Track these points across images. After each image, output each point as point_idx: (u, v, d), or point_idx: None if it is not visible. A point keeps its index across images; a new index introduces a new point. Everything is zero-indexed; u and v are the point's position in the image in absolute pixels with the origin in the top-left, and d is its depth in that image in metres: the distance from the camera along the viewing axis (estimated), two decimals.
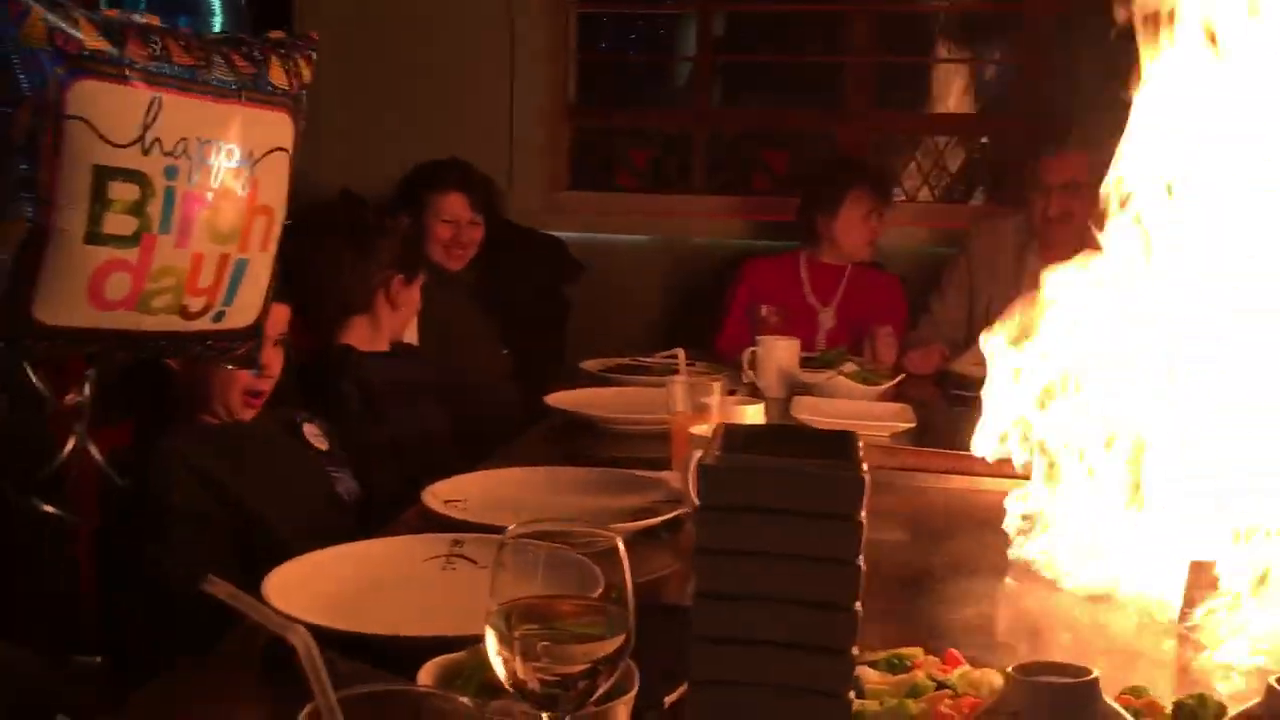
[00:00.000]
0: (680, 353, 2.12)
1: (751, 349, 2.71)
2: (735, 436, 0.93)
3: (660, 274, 4.06)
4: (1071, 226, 3.07)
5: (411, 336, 2.76)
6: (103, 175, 1.27)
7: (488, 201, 3.29)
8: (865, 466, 0.83)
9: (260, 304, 1.51)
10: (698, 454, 1.53)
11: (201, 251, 1.38)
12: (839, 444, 0.92)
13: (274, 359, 1.93)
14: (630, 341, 3.68)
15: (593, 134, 4.38)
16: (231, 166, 1.38)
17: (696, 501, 1.51)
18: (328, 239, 2.43)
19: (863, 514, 0.81)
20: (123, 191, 1.29)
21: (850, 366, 2.66)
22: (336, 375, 2.36)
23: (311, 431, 2.04)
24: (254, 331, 1.54)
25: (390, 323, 2.54)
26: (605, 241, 4.06)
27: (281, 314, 1.93)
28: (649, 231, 4.08)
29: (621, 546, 0.88)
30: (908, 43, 4.20)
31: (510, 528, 0.89)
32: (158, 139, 1.30)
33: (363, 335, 2.49)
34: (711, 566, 0.82)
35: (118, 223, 1.30)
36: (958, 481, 1.90)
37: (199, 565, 1.67)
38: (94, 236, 1.29)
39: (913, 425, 2.24)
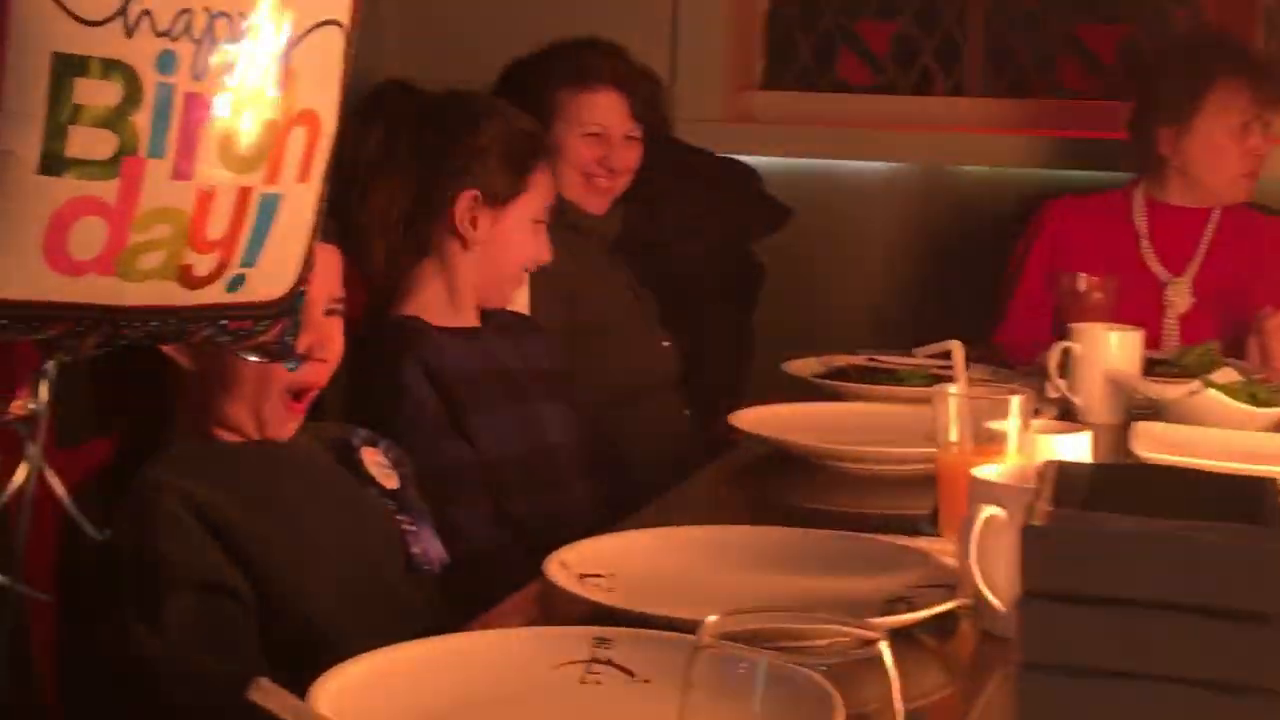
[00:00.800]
0: (956, 348, 2.10)
1: (1062, 344, 2.68)
2: (1072, 483, 0.92)
3: (910, 223, 4.07)
4: None
5: (520, 305, 2.83)
6: (66, 68, 1.28)
7: (650, 108, 3.33)
8: None
9: (298, 263, 1.53)
10: (989, 512, 1.55)
11: (212, 185, 1.39)
12: (1242, 498, 0.89)
13: (330, 336, 1.96)
14: (862, 329, 3.72)
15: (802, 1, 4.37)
16: (259, 51, 1.38)
17: (982, 587, 1.56)
18: (380, 131, 2.51)
19: None
20: (96, 93, 1.30)
21: (1227, 374, 2.62)
22: (394, 364, 2.42)
23: (374, 460, 2.07)
24: (290, 305, 1.55)
25: (467, 275, 2.59)
26: (822, 171, 4.08)
27: (332, 263, 1.96)
28: (892, 155, 4.08)
29: (888, 655, 0.88)
30: None
31: (709, 620, 0.89)
32: (147, 11, 1.30)
33: (436, 300, 2.56)
34: (1042, 695, 0.81)
35: (88, 141, 1.31)
36: None
37: (209, 663, 1.73)
38: (52, 162, 1.29)
39: None
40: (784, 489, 2.31)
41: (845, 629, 0.91)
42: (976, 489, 1.65)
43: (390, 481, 2.06)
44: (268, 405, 1.91)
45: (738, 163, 3.85)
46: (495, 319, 2.65)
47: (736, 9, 4.19)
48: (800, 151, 4.08)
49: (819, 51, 4.39)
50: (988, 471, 1.68)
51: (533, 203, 2.62)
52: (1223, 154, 3.39)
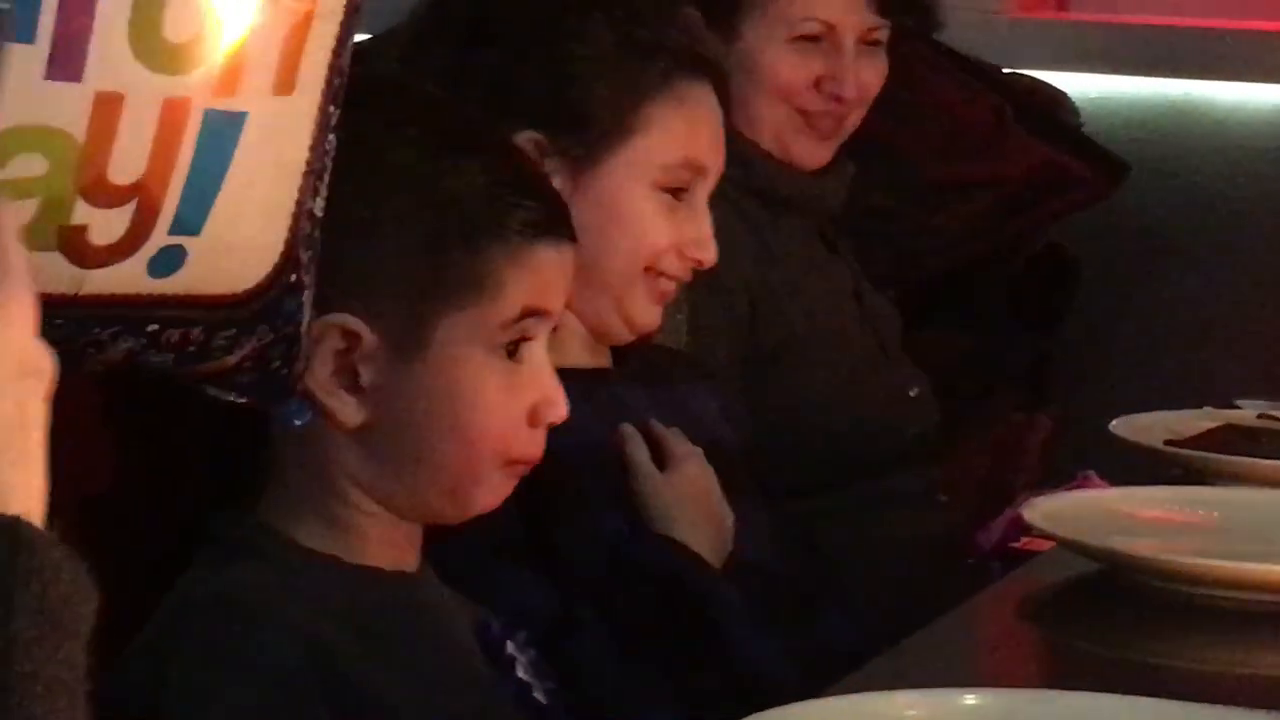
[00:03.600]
0: None
1: None
2: None
3: None
4: None
5: (672, 334, 2.82)
6: None
7: None
8: None
9: (281, 232, 1.55)
10: None
11: (117, 89, 1.41)
12: None
13: (550, 376, 2.10)
14: (1242, 368, 3.79)
15: None
16: None
17: None
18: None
19: None
20: None
21: None
22: None
23: (520, 654, 2.15)
24: (272, 307, 1.57)
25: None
26: (1178, 101, 4.07)
27: (568, 268, 2.12)
28: None
29: None
30: None
31: None
32: None
33: None
34: None
35: None
36: None
37: None
38: None
39: None
40: (1114, 630, 2.32)
41: None
42: None
43: (539, 694, 2.15)
44: (480, 486, 2.06)
45: (1040, 84, 3.88)
46: (635, 358, 2.64)
47: None
48: (1142, 67, 4.10)
49: None
50: None
51: (653, 155, 2.56)
52: None
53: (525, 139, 2.46)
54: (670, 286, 2.61)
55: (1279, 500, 2.58)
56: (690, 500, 2.49)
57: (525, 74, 2.54)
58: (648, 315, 2.59)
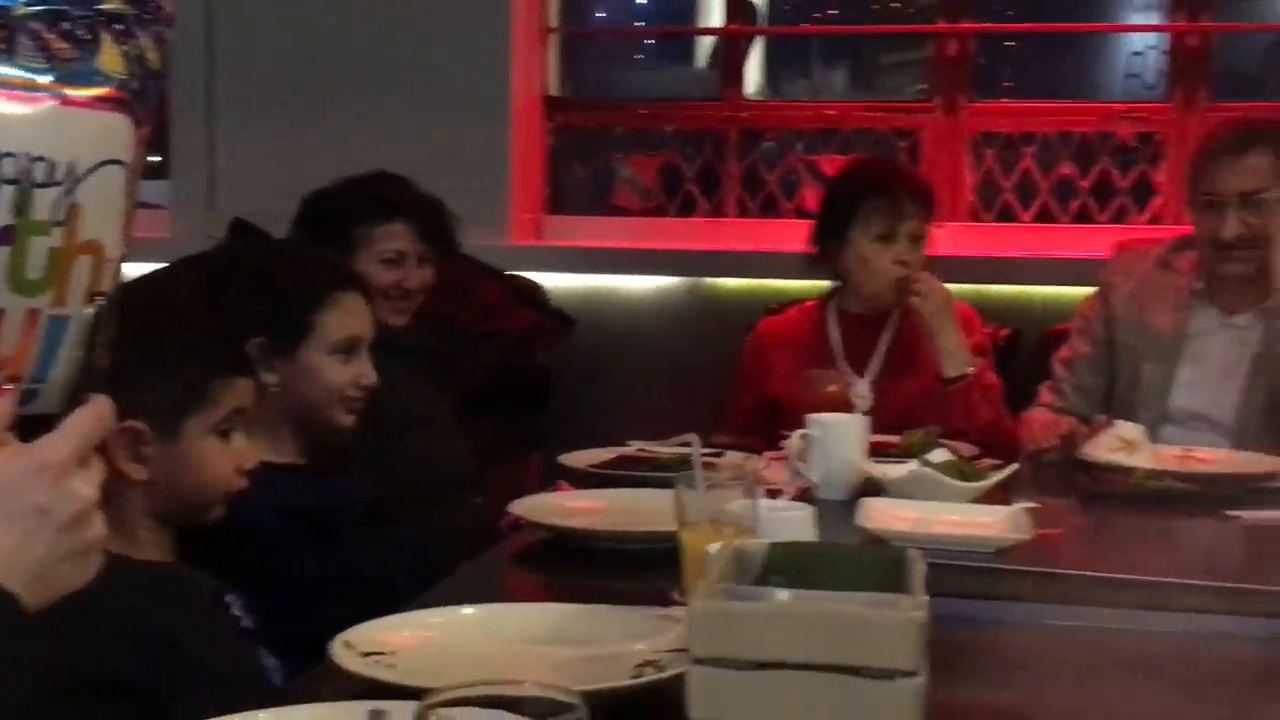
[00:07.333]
0: (693, 440, 2.09)
1: (801, 432, 2.69)
2: (748, 561, 0.92)
3: (680, 332, 4.14)
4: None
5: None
6: None
7: (437, 231, 3.34)
8: (925, 600, 0.81)
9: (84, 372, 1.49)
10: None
11: (1, 307, 1.39)
12: (893, 565, 0.91)
13: (246, 445, 2.11)
14: (642, 426, 3.72)
15: (582, 135, 4.48)
16: (41, 188, 1.39)
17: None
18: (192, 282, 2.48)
19: (921, 674, 0.79)
20: None
21: (941, 454, 2.63)
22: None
23: (235, 600, 2.07)
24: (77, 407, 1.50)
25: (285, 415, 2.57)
26: (600, 288, 4.14)
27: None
28: (662, 270, 4.16)
29: (585, 716, 0.87)
30: None
31: (434, 693, 0.90)
32: None
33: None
34: None
35: None
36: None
37: None
38: None
39: (1027, 539, 2.20)
40: (562, 570, 2.30)
41: (554, 693, 0.90)
42: (708, 565, 1.53)
43: (249, 620, 2.07)
44: (212, 508, 2.08)
45: (524, 280, 3.89)
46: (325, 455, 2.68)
47: (524, 141, 4.26)
48: (581, 268, 4.16)
49: (596, 181, 4.53)
50: (717, 549, 1.57)
51: (328, 338, 2.58)
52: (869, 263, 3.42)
53: (254, 344, 2.46)
54: (358, 405, 2.63)
55: (643, 496, 2.50)
56: None
57: (258, 303, 2.53)
58: (346, 421, 2.62)
